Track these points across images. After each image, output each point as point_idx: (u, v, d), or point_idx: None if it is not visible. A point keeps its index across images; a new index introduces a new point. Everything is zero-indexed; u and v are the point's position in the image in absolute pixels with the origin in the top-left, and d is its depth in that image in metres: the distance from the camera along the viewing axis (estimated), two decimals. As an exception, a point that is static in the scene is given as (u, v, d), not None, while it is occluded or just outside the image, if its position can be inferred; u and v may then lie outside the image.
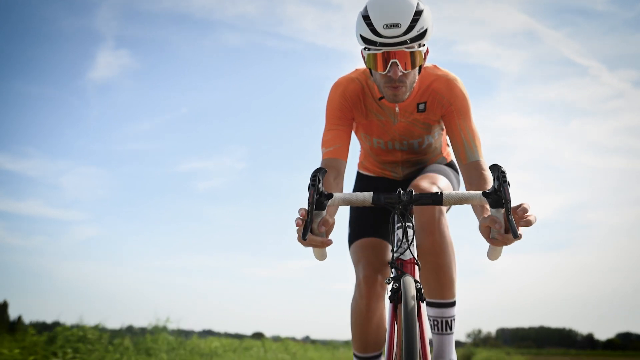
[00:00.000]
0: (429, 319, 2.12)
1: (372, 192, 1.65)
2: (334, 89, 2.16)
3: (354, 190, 2.54)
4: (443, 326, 2.09)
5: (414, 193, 1.62)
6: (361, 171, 2.58)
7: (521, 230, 1.48)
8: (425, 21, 1.86)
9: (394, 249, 1.70)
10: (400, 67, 1.87)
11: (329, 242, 1.61)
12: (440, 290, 2.07)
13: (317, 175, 1.56)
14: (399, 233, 1.70)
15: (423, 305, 1.60)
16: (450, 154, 2.49)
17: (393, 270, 1.64)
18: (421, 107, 2.11)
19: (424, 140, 2.25)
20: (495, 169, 1.48)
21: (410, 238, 1.67)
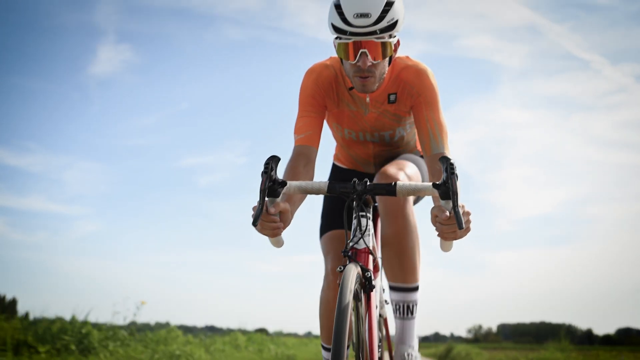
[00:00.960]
0: (392, 303, 2.17)
1: (327, 181, 1.66)
2: (308, 75, 2.14)
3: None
4: (404, 310, 2.14)
5: (368, 183, 1.62)
6: (336, 163, 2.58)
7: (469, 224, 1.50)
8: (396, 12, 1.85)
9: (350, 238, 1.71)
10: (369, 57, 1.86)
11: (277, 233, 1.61)
12: (402, 274, 2.11)
13: (269, 163, 1.56)
14: (355, 222, 1.71)
15: (374, 294, 1.61)
16: None
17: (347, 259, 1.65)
18: (392, 97, 2.10)
19: (395, 132, 2.23)
20: (444, 160, 1.48)
21: (364, 228, 1.68)
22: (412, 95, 2.07)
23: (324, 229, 2.33)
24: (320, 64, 2.16)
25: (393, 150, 2.35)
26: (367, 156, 2.36)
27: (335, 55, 2.15)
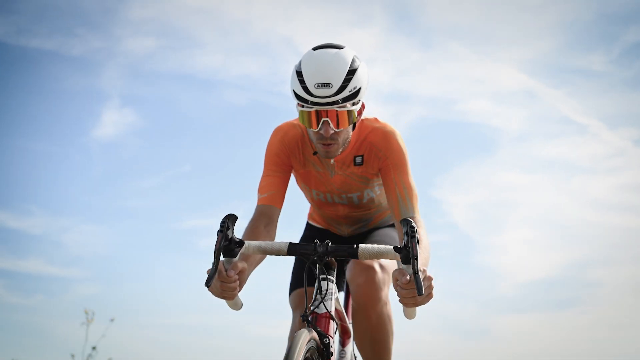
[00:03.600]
0: None
1: (288, 242, 1.60)
2: (274, 135, 2.12)
3: (301, 240, 2.49)
4: None
5: (330, 245, 1.58)
6: (310, 222, 2.54)
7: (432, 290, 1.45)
8: (359, 80, 1.80)
9: (311, 302, 1.65)
10: (331, 125, 1.82)
11: (234, 295, 1.56)
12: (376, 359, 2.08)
13: (226, 222, 1.50)
14: (316, 285, 1.66)
15: None
16: None
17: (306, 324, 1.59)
18: (358, 160, 2.07)
19: (363, 194, 2.19)
20: (405, 223, 1.43)
21: (324, 292, 1.63)
22: (379, 157, 2.03)
23: (292, 286, 2.29)
24: (288, 123, 2.13)
25: (364, 212, 2.30)
26: (338, 217, 2.32)
27: None
